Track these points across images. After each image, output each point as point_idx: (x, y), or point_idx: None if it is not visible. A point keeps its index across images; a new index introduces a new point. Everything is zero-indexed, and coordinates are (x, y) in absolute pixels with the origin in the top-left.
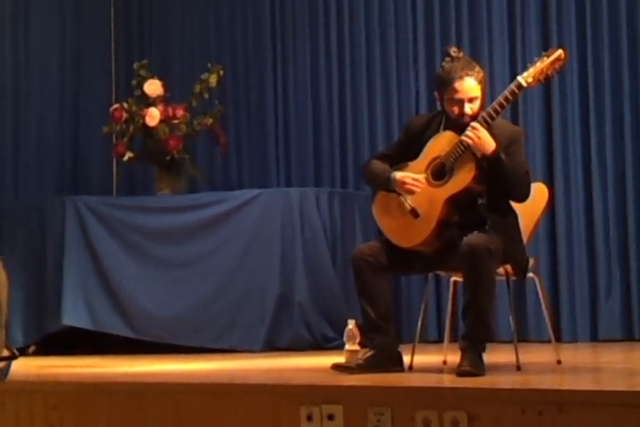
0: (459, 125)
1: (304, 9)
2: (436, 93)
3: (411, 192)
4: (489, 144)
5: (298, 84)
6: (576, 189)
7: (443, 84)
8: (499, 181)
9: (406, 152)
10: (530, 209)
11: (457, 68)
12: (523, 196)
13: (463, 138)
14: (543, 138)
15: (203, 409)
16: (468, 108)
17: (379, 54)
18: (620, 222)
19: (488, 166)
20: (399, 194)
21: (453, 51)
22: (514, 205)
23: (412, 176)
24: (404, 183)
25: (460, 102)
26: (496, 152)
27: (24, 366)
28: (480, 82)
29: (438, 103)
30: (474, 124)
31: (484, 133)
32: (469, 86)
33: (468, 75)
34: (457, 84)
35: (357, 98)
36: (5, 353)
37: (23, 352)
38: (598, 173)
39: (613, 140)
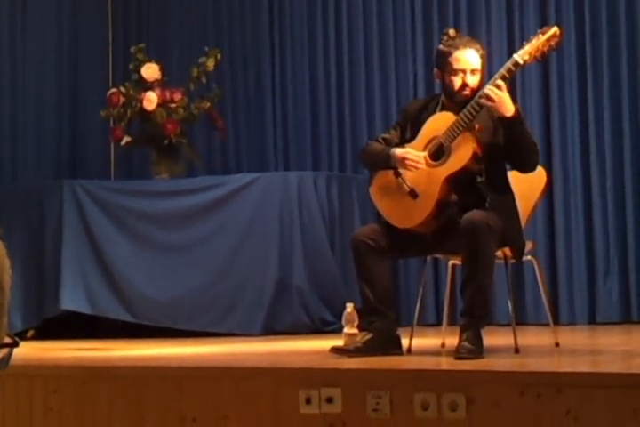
0: (456, 107)
1: None
2: (435, 71)
3: (412, 168)
4: (509, 105)
5: (296, 68)
6: (574, 172)
7: (443, 56)
8: (515, 146)
9: (404, 135)
10: (528, 192)
11: (458, 41)
12: (534, 164)
13: (483, 97)
14: (541, 122)
15: (202, 393)
16: (471, 79)
17: (376, 38)
18: (618, 205)
19: (506, 130)
20: (397, 175)
21: (452, 32)
22: (513, 185)
23: (412, 152)
24: (404, 159)
25: (462, 73)
26: (517, 114)
27: (23, 350)
28: (481, 57)
29: (437, 82)
30: (498, 81)
31: (505, 95)
32: (472, 56)
33: (470, 46)
34: (459, 54)
35: (355, 81)
36: (7, 340)
37: (22, 337)
38: (596, 157)
39: (611, 124)
